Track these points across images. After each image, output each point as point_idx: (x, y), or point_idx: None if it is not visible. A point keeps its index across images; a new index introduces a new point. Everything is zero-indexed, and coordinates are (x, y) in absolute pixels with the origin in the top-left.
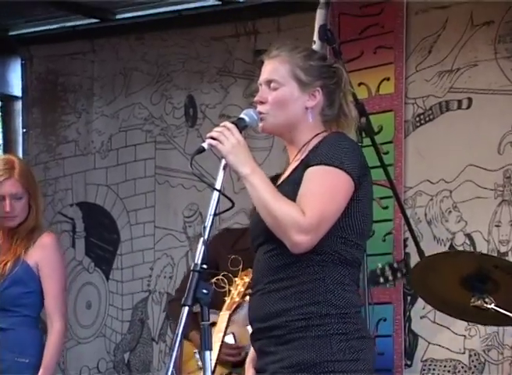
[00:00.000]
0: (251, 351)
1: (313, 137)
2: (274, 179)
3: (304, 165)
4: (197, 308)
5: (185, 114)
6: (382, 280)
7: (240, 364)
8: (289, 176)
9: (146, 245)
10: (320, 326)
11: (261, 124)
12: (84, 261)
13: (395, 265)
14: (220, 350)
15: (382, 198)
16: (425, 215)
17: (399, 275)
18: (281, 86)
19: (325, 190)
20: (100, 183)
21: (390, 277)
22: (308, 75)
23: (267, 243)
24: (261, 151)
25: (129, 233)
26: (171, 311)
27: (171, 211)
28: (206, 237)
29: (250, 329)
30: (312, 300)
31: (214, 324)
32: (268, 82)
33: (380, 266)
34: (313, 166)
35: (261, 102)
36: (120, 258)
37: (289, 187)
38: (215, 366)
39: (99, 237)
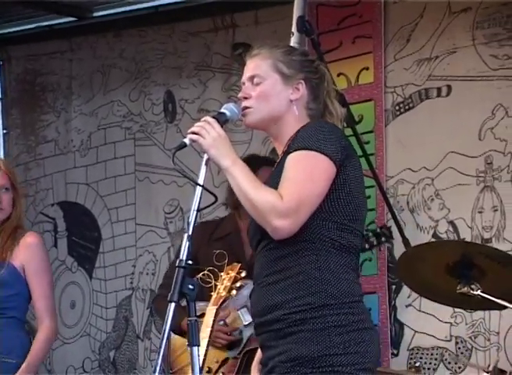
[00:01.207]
0: (258, 353)
1: (298, 131)
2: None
3: (286, 154)
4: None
5: (164, 110)
6: (367, 245)
7: (234, 345)
8: (275, 168)
9: (128, 243)
10: (318, 318)
11: (245, 119)
12: (67, 260)
13: (377, 230)
14: (208, 346)
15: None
16: (408, 203)
17: (383, 239)
18: (264, 80)
19: (303, 174)
20: (80, 181)
21: (375, 242)
22: (290, 68)
23: (264, 239)
24: (240, 145)
25: (110, 231)
26: (156, 308)
27: (152, 207)
28: (190, 232)
29: (241, 313)
30: (308, 291)
31: (202, 315)
32: (251, 78)
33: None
34: (291, 152)
35: (245, 98)
36: (102, 256)
37: (276, 179)
38: (204, 362)
39: (81, 236)
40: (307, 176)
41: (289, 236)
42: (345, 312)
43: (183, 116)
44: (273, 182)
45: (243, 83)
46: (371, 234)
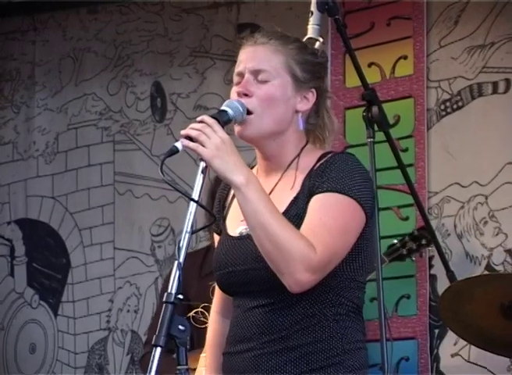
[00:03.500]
0: None
1: (300, 151)
2: None
3: (307, 193)
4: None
5: (151, 106)
6: (405, 251)
7: None
8: (286, 211)
9: (104, 271)
10: None
11: (242, 127)
12: (26, 293)
13: (415, 232)
14: None
15: (400, 207)
16: (455, 226)
17: (423, 242)
18: (272, 79)
19: (338, 223)
20: (44, 194)
21: (414, 247)
22: (304, 71)
23: (266, 293)
24: (245, 151)
25: (82, 256)
26: (145, 368)
27: (135, 228)
28: (182, 259)
29: None
30: (326, 362)
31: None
32: (256, 72)
33: (398, 239)
34: (320, 193)
35: (246, 95)
36: (72, 288)
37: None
38: None
39: (44, 263)
40: (341, 226)
41: (304, 291)
42: None
43: (174, 114)
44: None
45: (240, 74)
46: (407, 238)
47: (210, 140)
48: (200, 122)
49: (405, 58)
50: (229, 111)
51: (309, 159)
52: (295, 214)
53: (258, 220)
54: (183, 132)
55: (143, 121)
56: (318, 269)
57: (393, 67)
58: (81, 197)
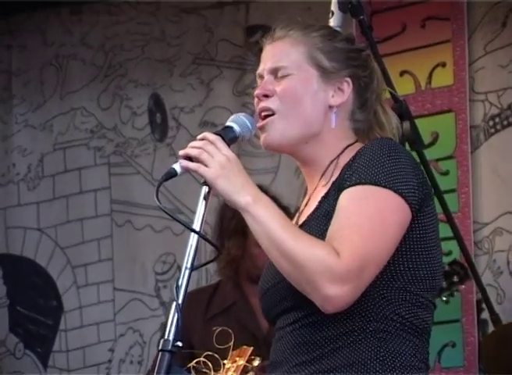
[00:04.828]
0: None
1: (342, 151)
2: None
3: (336, 188)
4: None
5: (150, 122)
6: (456, 278)
7: None
8: (315, 209)
9: (102, 316)
10: None
11: (264, 134)
12: (9, 340)
13: (446, 267)
14: None
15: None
16: (508, 263)
17: (455, 279)
18: (294, 74)
19: (369, 220)
20: (28, 225)
21: (444, 285)
22: (333, 60)
23: (296, 309)
24: (263, 175)
25: (76, 298)
26: None
27: (137, 265)
28: (180, 301)
29: None
30: None
31: None
32: (274, 71)
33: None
34: (349, 187)
35: (265, 96)
36: (64, 335)
37: (319, 225)
38: None
39: (30, 306)
40: (376, 223)
41: (346, 307)
42: None
43: (177, 131)
44: (311, 229)
45: (261, 76)
46: (455, 266)
47: (213, 158)
48: (202, 139)
49: (443, 65)
50: (235, 127)
51: (350, 154)
52: (324, 213)
53: (271, 239)
54: (181, 152)
55: (141, 140)
56: (347, 278)
57: (429, 76)
58: (73, 229)
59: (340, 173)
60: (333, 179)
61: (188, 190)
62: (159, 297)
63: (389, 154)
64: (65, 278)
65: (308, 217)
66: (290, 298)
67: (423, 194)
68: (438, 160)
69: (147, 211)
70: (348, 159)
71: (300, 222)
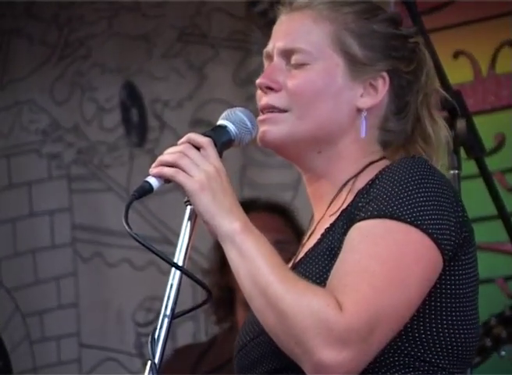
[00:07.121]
0: None
1: (363, 169)
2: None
3: (347, 218)
4: None
5: (123, 121)
6: (488, 342)
7: None
8: (316, 244)
9: None
10: None
11: (265, 133)
12: None
13: (507, 312)
14: None
15: (508, 279)
16: None
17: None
18: (313, 62)
19: (385, 266)
20: None
21: (504, 335)
22: (367, 47)
23: (279, 373)
24: (278, 192)
25: (29, 358)
26: None
27: (110, 314)
28: (157, 360)
29: None
30: None
31: None
32: (288, 53)
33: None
34: (363, 220)
35: (271, 89)
36: None
37: (318, 265)
38: None
39: None
40: (393, 270)
41: None
42: None
43: (161, 133)
44: (308, 268)
45: (269, 56)
46: (493, 321)
47: (198, 167)
48: (186, 143)
49: (510, 44)
50: (230, 126)
51: (371, 174)
52: (326, 248)
53: (256, 281)
54: (157, 160)
55: (112, 144)
56: (349, 339)
57: (493, 59)
58: (23, 265)
59: (354, 199)
60: (344, 206)
61: (180, 212)
62: (141, 356)
63: (421, 180)
64: (13, 330)
65: (306, 254)
66: (273, 358)
67: (461, 237)
68: (504, 172)
69: (124, 240)
70: (366, 182)
71: (299, 257)
